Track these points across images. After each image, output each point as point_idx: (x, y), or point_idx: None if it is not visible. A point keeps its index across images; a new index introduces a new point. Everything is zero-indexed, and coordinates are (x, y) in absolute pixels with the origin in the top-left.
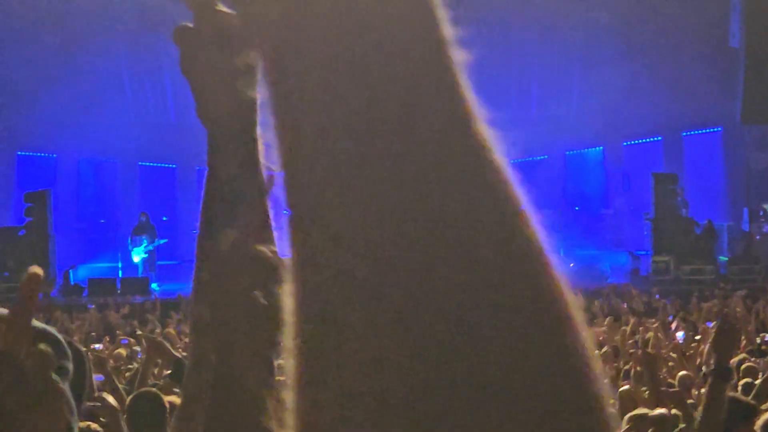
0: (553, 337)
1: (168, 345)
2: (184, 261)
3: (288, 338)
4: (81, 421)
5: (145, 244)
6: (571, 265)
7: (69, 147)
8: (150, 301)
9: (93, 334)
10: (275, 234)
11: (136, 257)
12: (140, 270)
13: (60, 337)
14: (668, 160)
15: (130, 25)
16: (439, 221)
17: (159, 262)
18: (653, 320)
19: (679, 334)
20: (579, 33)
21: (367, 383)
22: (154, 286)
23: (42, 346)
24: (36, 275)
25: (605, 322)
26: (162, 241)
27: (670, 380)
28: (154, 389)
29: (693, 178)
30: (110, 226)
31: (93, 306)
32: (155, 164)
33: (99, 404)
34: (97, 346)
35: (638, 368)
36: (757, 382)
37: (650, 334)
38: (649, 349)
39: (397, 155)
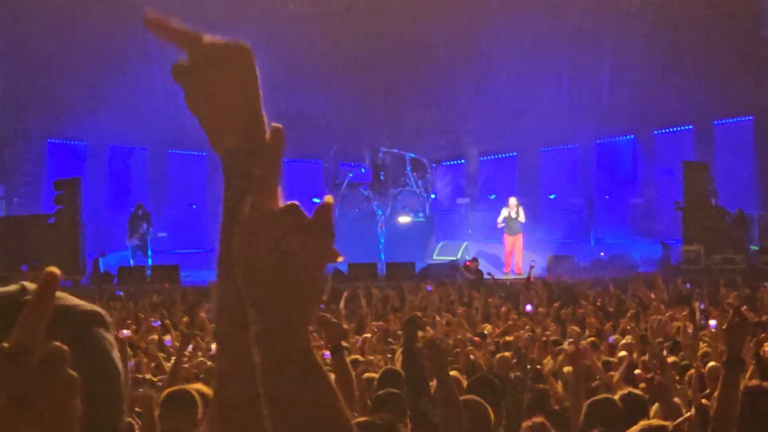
0: None
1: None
2: (211, 249)
3: None
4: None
5: (143, 231)
6: (602, 254)
7: (99, 134)
8: (180, 289)
9: (128, 321)
10: None
11: (132, 243)
12: (130, 256)
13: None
14: (699, 149)
15: (160, 13)
16: None
17: (184, 251)
18: (683, 309)
19: (712, 323)
20: (610, 22)
21: None
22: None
23: (56, 344)
24: (53, 276)
25: (627, 314)
26: (162, 234)
27: (702, 370)
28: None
29: (724, 166)
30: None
31: (122, 293)
32: (185, 152)
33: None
34: (125, 332)
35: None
36: None
37: (678, 323)
38: (679, 338)
39: None
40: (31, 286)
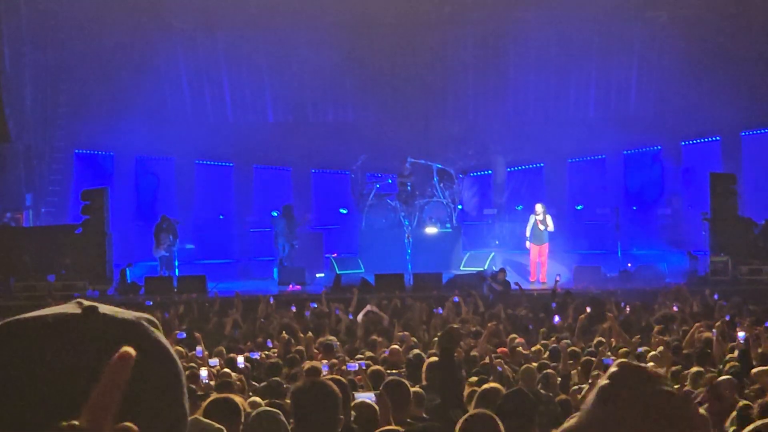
0: None
1: None
2: (238, 260)
3: None
4: None
5: (170, 242)
6: (629, 265)
7: (126, 145)
8: (210, 299)
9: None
10: None
11: (158, 254)
12: (158, 267)
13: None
14: (726, 160)
15: (188, 24)
16: None
17: (211, 261)
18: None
19: (740, 335)
20: (638, 32)
21: None
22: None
23: (126, 424)
24: (128, 356)
25: (654, 331)
26: (189, 246)
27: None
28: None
29: (751, 178)
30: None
31: (151, 303)
32: (212, 162)
33: None
34: None
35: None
36: None
37: (707, 334)
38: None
39: None
40: (87, 303)
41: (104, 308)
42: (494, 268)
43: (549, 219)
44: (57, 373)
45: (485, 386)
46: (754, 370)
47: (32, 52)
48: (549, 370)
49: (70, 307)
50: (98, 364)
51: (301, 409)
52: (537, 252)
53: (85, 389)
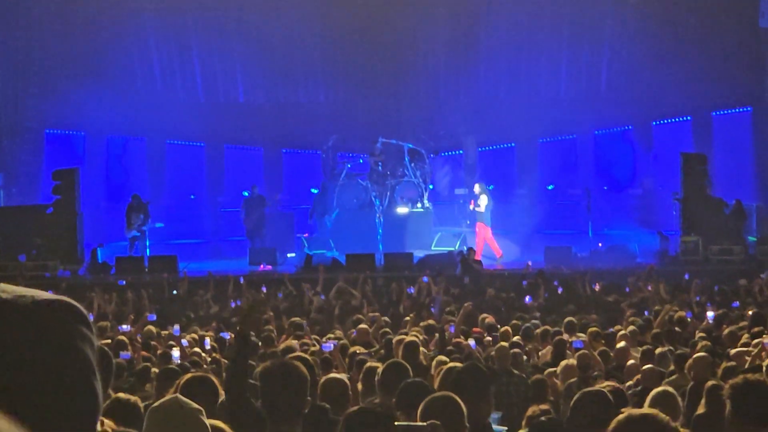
0: None
1: None
2: (209, 240)
3: None
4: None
5: (141, 221)
6: (600, 245)
7: (97, 125)
8: (179, 279)
9: (132, 316)
10: None
11: (129, 235)
12: (129, 248)
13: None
14: (697, 140)
15: (159, 4)
16: None
17: (182, 241)
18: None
19: (710, 314)
20: (608, 12)
21: None
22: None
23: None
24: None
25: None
26: (159, 225)
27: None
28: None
29: (722, 158)
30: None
31: (124, 282)
32: (183, 142)
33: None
34: (124, 326)
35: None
36: None
37: (679, 313)
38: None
39: None
40: None
41: (10, 292)
42: (464, 248)
43: (482, 199)
44: None
45: (449, 365)
46: (732, 351)
47: (2, 32)
48: (516, 350)
49: None
50: None
51: (268, 389)
52: (477, 231)
53: None
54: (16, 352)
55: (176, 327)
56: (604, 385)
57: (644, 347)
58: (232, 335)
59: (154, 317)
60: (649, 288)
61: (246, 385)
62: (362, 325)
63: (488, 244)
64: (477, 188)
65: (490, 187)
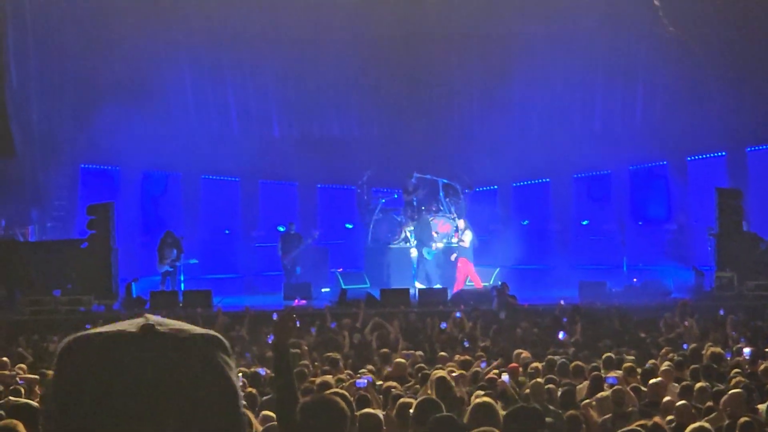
0: None
1: None
2: (243, 274)
3: None
4: None
5: (174, 257)
6: (635, 280)
7: (132, 160)
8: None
9: None
10: None
11: (162, 269)
12: (160, 282)
13: None
14: (732, 175)
15: (194, 40)
16: None
17: (216, 276)
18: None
19: (746, 350)
20: (643, 47)
21: None
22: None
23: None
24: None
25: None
26: (193, 261)
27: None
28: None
29: (757, 193)
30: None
31: (159, 317)
32: (218, 177)
33: None
34: None
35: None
36: None
37: (714, 349)
38: (716, 365)
39: None
40: None
41: (166, 326)
42: (499, 283)
43: (466, 234)
44: (117, 388)
45: (478, 400)
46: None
47: (38, 66)
48: (551, 386)
49: (133, 325)
50: (155, 380)
51: (309, 425)
52: (459, 265)
53: (144, 404)
54: (182, 381)
55: None
56: (644, 423)
57: (682, 383)
58: (269, 372)
59: None
60: (686, 323)
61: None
62: (397, 360)
63: (470, 278)
64: (461, 224)
65: (525, 222)
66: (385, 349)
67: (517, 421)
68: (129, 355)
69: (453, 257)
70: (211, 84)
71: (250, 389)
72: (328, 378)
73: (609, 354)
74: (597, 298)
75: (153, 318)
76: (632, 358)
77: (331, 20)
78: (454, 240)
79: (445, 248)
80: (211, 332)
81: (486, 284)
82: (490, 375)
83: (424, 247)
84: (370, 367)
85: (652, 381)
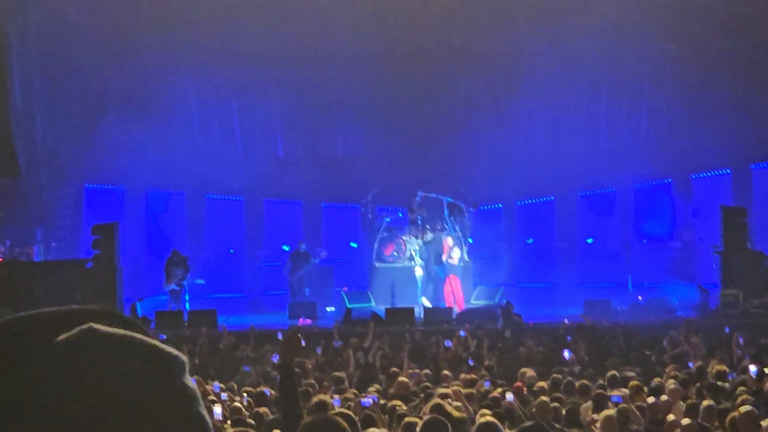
0: None
1: None
2: (248, 294)
3: None
4: None
5: (180, 276)
6: (640, 298)
7: (136, 179)
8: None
9: None
10: None
11: (168, 288)
12: (168, 302)
13: None
14: (737, 193)
15: (199, 59)
16: None
17: (221, 295)
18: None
19: (752, 368)
20: (647, 65)
21: None
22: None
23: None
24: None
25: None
26: (200, 281)
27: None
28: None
29: (762, 210)
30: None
31: (165, 337)
32: (222, 196)
33: None
34: None
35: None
36: None
37: (719, 367)
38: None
39: None
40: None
41: (112, 333)
42: (504, 302)
43: (455, 251)
44: (48, 392)
45: (482, 419)
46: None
47: (42, 86)
48: (556, 404)
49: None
50: (92, 387)
51: None
52: (447, 282)
53: (76, 411)
54: (123, 392)
55: (216, 383)
56: None
57: (689, 401)
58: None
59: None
60: (693, 341)
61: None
62: (401, 379)
63: (455, 296)
64: (450, 241)
65: (529, 241)
66: (394, 368)
67: None
68: (66, 364)
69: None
70: (215, 103)
71: (257, 409)
72: (325, 397)
73: (613, 372)
74: (602, 316)
75: (98, 326)
76: (633, 375)
77: (335, 39)
78: (443, 257)
79: (449, 267)
80: (170, 350)
81: (491, 302)
82: (494, 394)
83: (437, 265)
84: (376, 386)
85: (654, 399)
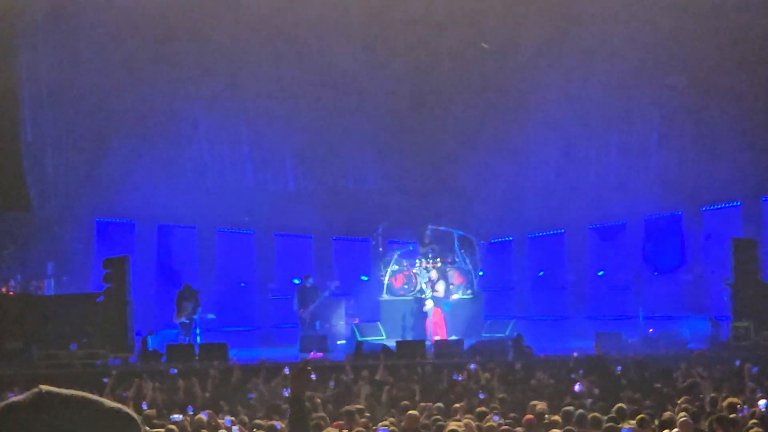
0: None
1: None
2: (259, 327)
3: None
4: None
5: (191, 310)
6: (651, 330)
7: (147, 213)
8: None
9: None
10: None
11: (179, 321)
12: (179, 335)
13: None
14: (747, 225)
15: (210, 92)
16: None
17: (232, 328)
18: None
19: (761, 403)
20: (657, 98)
21: None
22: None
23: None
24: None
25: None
26: (211, 316)
27: None
28: None
29: None
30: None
31: (175, 371)
32: (233, 230)
33: None
34: (176, 416)
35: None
36: None
37: (731, 399)
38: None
39: None
40: None
41: (65, 396)
42: (515, 334)
43: (439, 284)
44: None
45: None
46: None
47: (53, 120)
48: None
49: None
50: None
51: None
52: (432, 314)
53: None
54: None
55: (228, 418)
56: None
57: None
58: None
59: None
60: (705, 374)
61: None
62: (411, 412)
63: (438, 329)
64: (434, 274)
65: (540, 274)
66: (405, 401)
67: None
68: (19, 425)
69: (426, 308)
70: (226, 136)
71: None
72: (334, 430)
73: (621, 405)
74: (613, 348)
75: (50, 389)
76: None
77: (346, 72)
78: (428, 291)
79: (417, 299)
80: (122, 408)
81: (502, 335)
82: (505, 427)
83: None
84: (391, 419)
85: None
